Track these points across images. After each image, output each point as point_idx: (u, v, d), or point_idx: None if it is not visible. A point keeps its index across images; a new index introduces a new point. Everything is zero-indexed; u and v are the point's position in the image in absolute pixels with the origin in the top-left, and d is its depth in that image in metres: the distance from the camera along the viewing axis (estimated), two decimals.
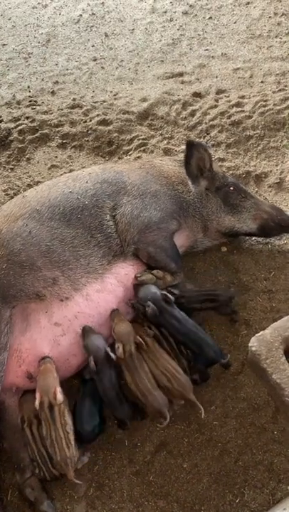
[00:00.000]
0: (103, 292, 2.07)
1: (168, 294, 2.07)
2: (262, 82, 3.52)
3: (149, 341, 1.98)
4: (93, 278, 2.08)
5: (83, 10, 4.39)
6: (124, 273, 2.15)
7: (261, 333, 2.01)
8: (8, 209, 2.17)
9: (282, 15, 4.11)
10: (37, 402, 1.81)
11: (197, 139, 2.45)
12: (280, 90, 3.39)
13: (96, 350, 1.91)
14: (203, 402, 1.97)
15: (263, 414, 1.96)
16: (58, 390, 1.83)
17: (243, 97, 3.39)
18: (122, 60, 3.86)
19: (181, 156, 2.59)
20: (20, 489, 1.80)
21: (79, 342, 1.97)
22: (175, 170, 2.47)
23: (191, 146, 2.37)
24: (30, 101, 3.52)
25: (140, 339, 1.95)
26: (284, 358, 1.92)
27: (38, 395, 1.82)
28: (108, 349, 1.93)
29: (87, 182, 2.26)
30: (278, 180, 2.86)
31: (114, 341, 1.96)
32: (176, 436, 1.93)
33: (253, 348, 1.97)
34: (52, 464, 1.80)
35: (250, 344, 2.00)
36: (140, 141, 3.14)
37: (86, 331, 1.97)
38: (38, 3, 4.55)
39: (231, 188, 2.43)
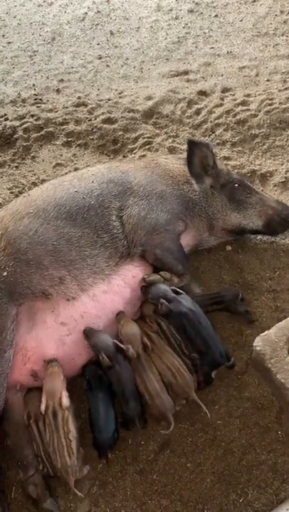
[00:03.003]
0: (110, 293, 2.07)
1: (178, 290, 2.08)
2: (268, 80, 3.51)
3: (154, 336, 1.98)
4: (100, 279, 2.07)
5: (88, 8, 4.39)
6: (131, 275, 2.15)
7: (266, 332, 2.00)
8: (14, 207, 2.17)
9: (288, 13, 4.09)
10: (43, 407, 1.80)
11: (198, 137, 2.43)
12: (286, 89, 3.37)
13: (106, 345, 1.92)
14: (207, 401, 1.97)
15: (267, 414, 1.96)
16: (64, 394, 1.83)
17: (248, 95, 3.37)
18: (128, 58, 3.86)
19: (186, 155, 2.59)
20: (24, 486, 1.81)
21: (84, 341, 1.97)
22: (180, 169, 2.45)
23: (192, 144, 2.35)
24: (35, 99, 3.53)
25: (147, 341, 1.94)
26: None
27: (44, 399, 1.82)
28: (117, 341, 1.93)
29: (92, 182, 2.25)
30: (284, 179, 2.84)
31: (121, 341, 1.96)
32: (180, 435, 1.93)
33: (258, 348, 1.96)
34: None
35: (254, 344, 1.99)
36: (145, 140, 3.14)
37: (89, 332, 1.97)
38: (44, 1, 4.55)
39: (236, 185, 2.42)
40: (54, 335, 1.96)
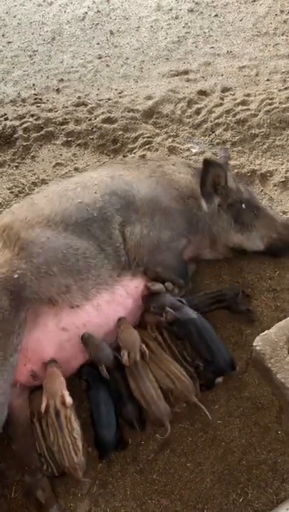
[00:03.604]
0: (113, 303, 2.08)
1: (182, 299, 2.10)
2: (268, 80, 3.51)
3: (152, 345, 1.98)
4: (104, 289, 2.07)
5: (88, 7, 4.39)
6: (134, 286, 2.15)
7: (266, 332, 2.00)
8: (22, 214, 2.15)
9: (288, 12, 4.09)
10: (43, 406, 1.80)
11: (214, 157, 2.36)
12: (285, 88, 3.37)
13: (106, 359, 1.93)
14: (207, 401, 1.97)
15: (267, 414, 1.96)
16: (66, 393, 1.82)
17: (248, 95, 3.37)
18: (127, 58, 3.86)
19: (194, 162, 2.58)
20: (31, 491, 1.79)
21: (83, 348, 1.98)
22: (186, 180, 2.39)
23: (208, 165, 2.28)
24: (35, 99, 3.53)
25: (145, 348, 1.94)
26: None
27: (44, 399, 1.82)
28: (116, 353, 1.94)
29: (96, 192, 2.21)
30: (284, 179, 2.84)
31: (120, 347, 1.97)
32: (180, 435, 1.93)
33: (258, 348, 1.96)
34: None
35: (254, 343, 1.99)
36: (145, 139, 3.14)
37: (88, 340, 1.96)
38: (44, 0, 4.55)
39: (244, 206, 2.37)
40: (54, 339, 1.96)
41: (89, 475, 1.81)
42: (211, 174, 2.29)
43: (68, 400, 1.81)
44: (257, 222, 2.38)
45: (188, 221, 2.31)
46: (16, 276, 1.94)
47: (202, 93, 3.43)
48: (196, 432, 1.93)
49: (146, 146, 3.10)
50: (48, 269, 1.99)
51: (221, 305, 2.19)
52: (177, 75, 3.64)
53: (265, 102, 3.26)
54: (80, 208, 2.15)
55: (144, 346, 1.95)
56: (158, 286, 2.14)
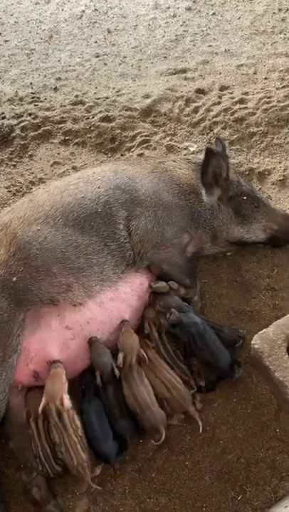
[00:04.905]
0: (116, 300, 2.07)
1: (188, 306, 2.09)
2: (266, 78, 3.51)
3: (150, 354, 1.98)
4: (107, 286, 2.06)
5: (86, 6, 4.37)
6: (138, 282, 2.15)
7: (264, 330, 2.01)
8: (21, 211, 2.13)
9: (286, 10, 4.09)
10: (41, 407, 1.80)
11: (216, 146, 2.35)
12: (283, 87, 3.37)
13: (103, 366, 1.92)
14: (206, 399, 1.98)
15: (265, 412, 1.96)
16: (65, 396, 1.82)
17: (246, 93, 3.37)
18: (125, 57, 3.85)
19: (194, 157, 2.57)
20: (27, 488, 1.79)
21: (87, 347, 1.97)
22: (187, 176, 2.39)
23: (210, 154, 2.27)
24: (32, 97, 3.52)
25: (143, 353, 1.94)
26: (287, 355, 1.92)
27: (44, 399, 1.81)
28: (114, 365, 1.93)
29: (99, 187, 2.19)
30: (282, 178, 2.84)
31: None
32: (178, 433, 1.93)
33: (256, 346, 1.97)
34: (55, 460, 1.79)
35: (252, 342, 1.99)
36: (143, 138, 3.13)
37: (94, 344, 1.96)
38: None
39: (244, 198, 2.37)
40: (58, 338, 1.96)
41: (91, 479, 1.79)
42: (212, 164, 2.28)
43: (67, 403, 1.80)
44: (258, 214, 2.38)
45: (189, 217, 2.31)
46: (14, 279, 1.93)
47: (200, 91, 3.43)
48: (194, 431, 1.93)
49: (144, 145, 3.10)
50: (48, 271, 1.97)
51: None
52: (175, 74, 3.64)
53: (263, 101, 3.26)
54: (82, 203, 2.12)
55: (142, 351, 1.95)
56: (161, 285, 2.14)
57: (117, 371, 1.91)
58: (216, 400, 1.99)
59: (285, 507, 1.64)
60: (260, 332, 2.01)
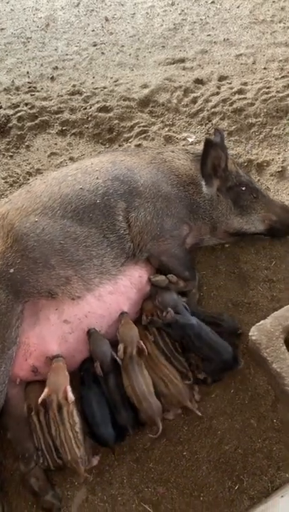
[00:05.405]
0: (116, 294, 2.06)
1: (186, 304, 2.08)
2: (265, 68, 3.47)
3: (149, 347, 1.98)
4: (106, 279, 2.05)
5: None
6: (137, 275, 2.14)
7: (261, 322, 2.01)
8: (19, 202, 2.10)
9: None
10: (42, 397, 1.80)
11: (215, 137, 2.34)
12: (283, 77, 3.35)
13: (102, 356, 1.92)
14: (203, 390, 1.98)
15: (262, 403, 1.97)
16: (69, 388, 1.82)
17: (245, 83, 3.34)
18: (123, 46, 3.80)
19: (193, 148, 2.55)
20: (25, 479, 1.80)
21: (86, 340, 1.97)
22: (186, 167, 2.37)
23: (209, 145, 2.25)
24: (29, 87, 3.48)
25: (142, 344, 1.94)
26: (284, 347, 1.92)
27: (46, 391, 1.81)
28: (114, 354, 1.93)
29: (97, 178, 2.17)
30: (280, 169, 2.83)
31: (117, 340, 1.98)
32: (176, 424, 1.94)
33: (254, 337, 1.97)
34: (57, 453, 1.80)
35: (250, 333, 2.00)
36: (141, 129, 3.11)
37: (92, 335, 1.96)
38: None
39: (243, 188, 2.36)
40: (57, 332, 1.95)
41: (89, 470, 1.81)
42: (211, 155, 2.27)
43: (70, 396, 1.80)
44: (257, 204, 2.37)
45: (188, 208, 2.30)
46: (11, 271, 1.92)
47: (198, 82, 3.39)
48: (192, 421, 1.94)
49: (142, 136, 3.07)
50: (46, 263, 1.96)
51: (216, 329, 2.06)
52: (173, 63, 3.60)
53: (262, 91, 3.23)
54: (80, 195, 2.10)
55: (141, 342, 1.95)
56: (160, 278, 2.13)
57: (119, 359, 1.92)
58: (214, 391, 2.00)
59: (282, 496, 1.66)
60: (257, 324, 2.01)
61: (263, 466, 1.84)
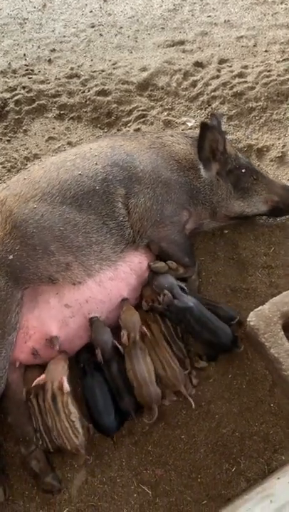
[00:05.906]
0: (116, 280, 2.06)
1: (183, 286, 2.07)
2: (266, 51, 3.41)
3: (153, 327, 1.99)
4: (106, 265, 2.05)
5: None
6: (137, 261, 2.13)
7: (260, 307, 2.02)
8: (17, 188, 2.08)
9: None
10: (37, 380, 1.82)
11: (211, 121, 2.30)
12: (284, 60, 3.29)
13: (103, 344, 1.93)
14: (201, 375, 2.00)
15: (260, 388, 1.99)
16: (65, 379, 1.84)
17: (246, 66, 3.29)
18: (121, 27, 3.73)
19: (192, 132, 2.52)
20: (26, 461, 1.83)
21: (86, 325, 1.98)
22: (186, 151, 2.34)
23: (205, 128, 2.23)
24: (26, 70, 3.42)
25: (145, 330, 1.95)
26: (282, 332, 1.94)
27: (43, 376, 1.84)
28: (116, 342, 1.94)
29: (96, 163, 2.15)
30: (280, 154, 2.80)
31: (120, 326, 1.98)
32: (174, 408, 1.96)
33: (252, 323, 1.98)
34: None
35: (248, 319, 2.01)
36: (140, 113, 3.07)
37: (94, 323, 1.96)
38: None
39: (243, 171, 2.33)
40: (57, 316, 1.96)
41: (89, 452, 1.84)
42: (208, 138, 2.24)
43: (66, 386, 1.82)
44: (258, 186, 2.36)
45: (188, 193, 2.28)
46: (11, 257, 1.92)
47: (198, 65, 3.34)
48: (190, 405, 1.96)
49: (141, 120, 3.03)
50: (45, 249, 1.96)
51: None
52: (173, 46, 3.53)
53: (262, 74, 3.18)
54: (79, 181, 2.08)
55: (144, 328, 1.96)
56: (159, 264, 2.13)
57: (121, 348, 1.93)
58: (212, 376, 2.02)
59: (278, 478, 1.69)
60: (256, 309, 2.02)
61: (260, 448, 1.87)
